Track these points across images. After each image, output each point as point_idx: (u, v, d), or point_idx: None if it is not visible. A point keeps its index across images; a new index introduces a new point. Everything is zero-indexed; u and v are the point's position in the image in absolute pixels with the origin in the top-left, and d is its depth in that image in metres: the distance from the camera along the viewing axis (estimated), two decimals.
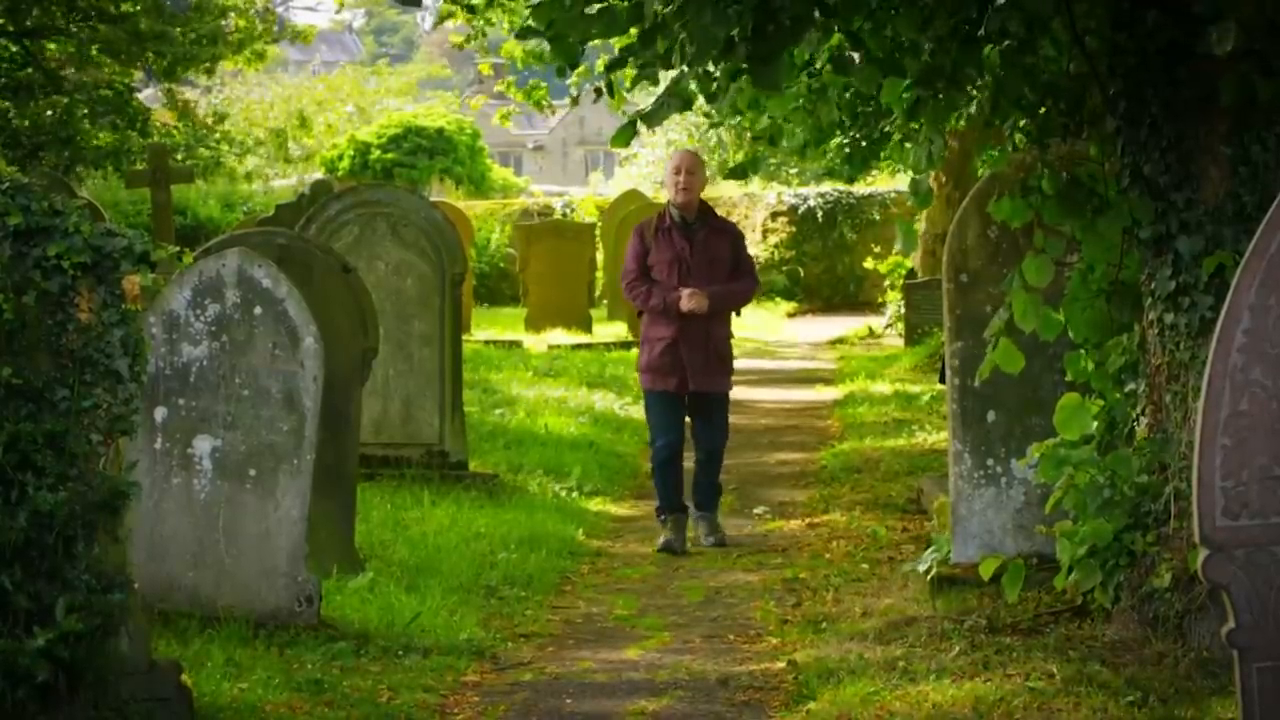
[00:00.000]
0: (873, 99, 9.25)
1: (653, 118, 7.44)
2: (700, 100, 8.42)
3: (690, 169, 10.61)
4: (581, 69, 13.35)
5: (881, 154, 12.14)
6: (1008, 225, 8.10)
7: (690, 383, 10.44)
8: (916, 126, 8.40)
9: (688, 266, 10.50)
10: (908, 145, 10.30)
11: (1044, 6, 6.86)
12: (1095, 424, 7.53)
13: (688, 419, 10.65)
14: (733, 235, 10.80)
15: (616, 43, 8.12)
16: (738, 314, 10.90)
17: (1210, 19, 6.65)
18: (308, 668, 7.15)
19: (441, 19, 16.89)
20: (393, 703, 6.83)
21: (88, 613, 5.80)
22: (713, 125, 32.26)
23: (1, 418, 5.81)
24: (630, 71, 7.73)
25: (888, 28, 7.42)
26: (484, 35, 16.37)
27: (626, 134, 7.59)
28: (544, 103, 17.01)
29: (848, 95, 10.30)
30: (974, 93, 8.10)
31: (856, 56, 7.72)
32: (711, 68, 7.64)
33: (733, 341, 10.77)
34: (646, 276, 10.56)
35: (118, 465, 5.99)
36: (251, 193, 30.54)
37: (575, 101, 10.82)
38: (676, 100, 7.46)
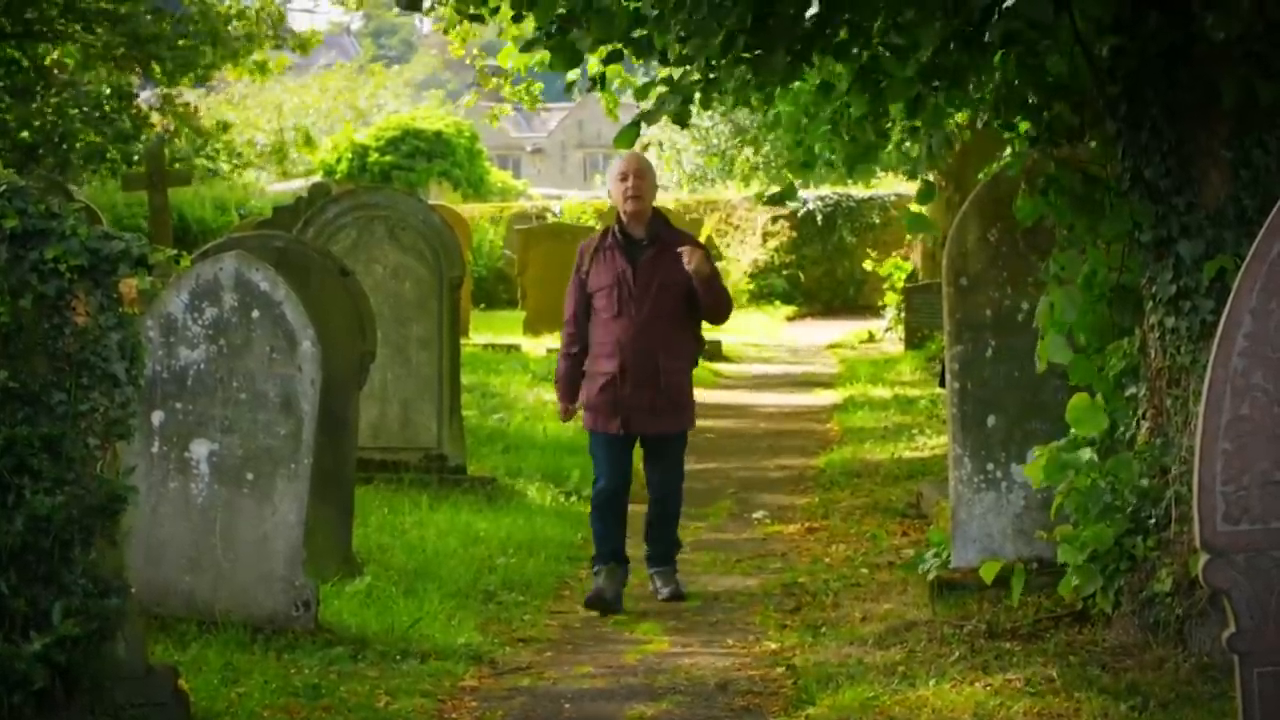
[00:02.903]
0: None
1: (652, 116, 7.42)
2: (700, 112, 8.37)
3: (639, 173, 8.93)
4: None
5: (882, 155, 12.03)
6: (1008, 229, 8.09)
7: (635, 425, 8.89)
8: (917, 125, 8.38)
9: (629, 291, 8.80)
10: (906, 145, 10.22)
11: (1043, 13, 6.85)
12: None
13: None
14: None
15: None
16: (695, 361, 9.14)
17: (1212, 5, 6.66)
18: (305, 672, 7.13)
19: (448, 28, 16.77)
20: (390, 708, 6.81)
21: (84, 617, 5.78)
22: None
23: None
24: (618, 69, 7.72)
25: (902, 35, 7.37)
26: (473, 25, 16.10)
27: (630, 134, 7.52)
28: (536, 100, 16.90)
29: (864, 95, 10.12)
30: (977, 94, 8.08)
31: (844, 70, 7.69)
32: (711, 64, 7.60)
33: (694, 373, 9.19)
34: (586, 319, 8.97)
35: (115, 469, 5.97)
36: (246, 196, 30.50)
37: (570, 89, 10.55)
38: (676, 98, 7.43)
